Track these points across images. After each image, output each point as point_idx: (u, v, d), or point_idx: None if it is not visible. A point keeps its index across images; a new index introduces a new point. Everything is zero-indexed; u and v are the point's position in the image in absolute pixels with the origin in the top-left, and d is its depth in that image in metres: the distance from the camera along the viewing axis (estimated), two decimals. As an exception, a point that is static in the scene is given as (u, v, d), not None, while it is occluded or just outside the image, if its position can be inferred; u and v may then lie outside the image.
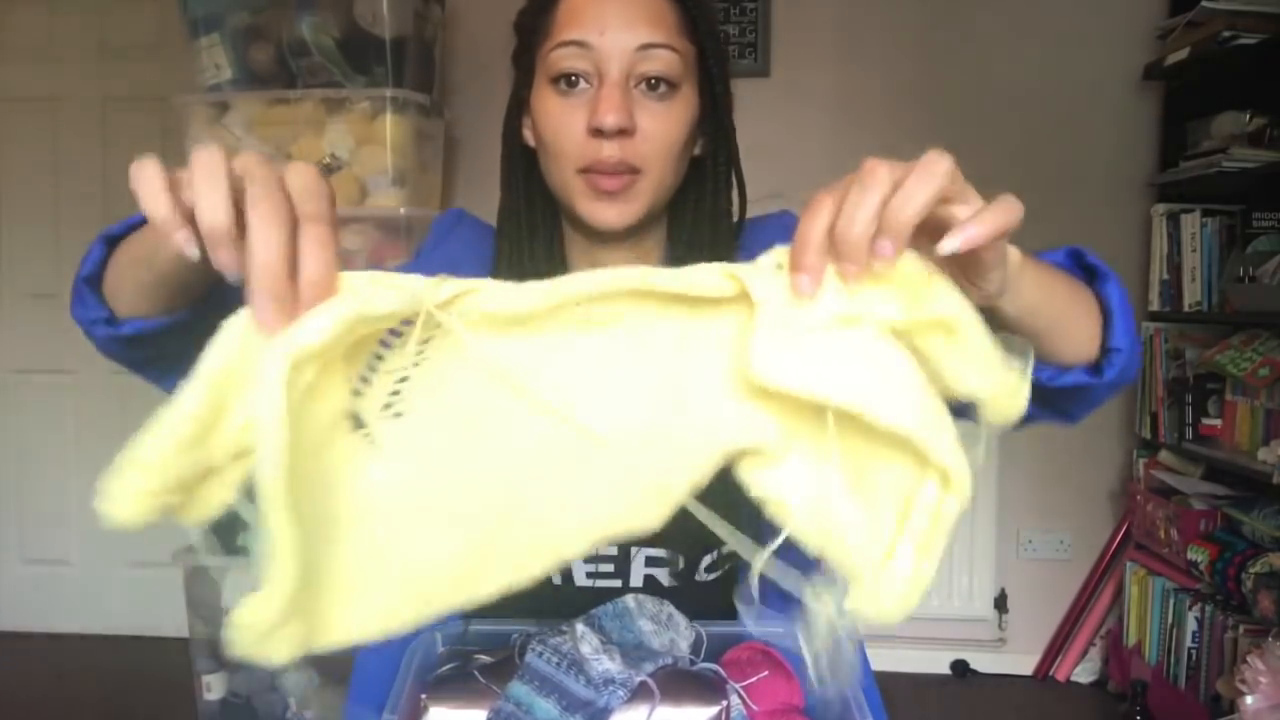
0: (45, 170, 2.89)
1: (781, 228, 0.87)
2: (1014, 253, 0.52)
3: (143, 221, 0.57)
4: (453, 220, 0.90)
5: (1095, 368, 0.63)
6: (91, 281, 0.62)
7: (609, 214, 0.74)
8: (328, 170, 2.25)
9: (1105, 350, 0.63)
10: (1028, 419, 0.53)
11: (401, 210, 2.20)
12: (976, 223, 0.45)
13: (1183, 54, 2.33)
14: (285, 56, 2.27)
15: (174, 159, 0.43)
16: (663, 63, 0.73)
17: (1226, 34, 2.16)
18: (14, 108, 2.91)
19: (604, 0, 0.73)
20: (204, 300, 0.58)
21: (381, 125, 2.23)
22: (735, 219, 0.86)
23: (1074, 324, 0.61)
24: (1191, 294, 2.39)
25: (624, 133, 0.72)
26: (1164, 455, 2.45)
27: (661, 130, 0.73)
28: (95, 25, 2.85)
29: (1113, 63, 2.59)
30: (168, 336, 0.59)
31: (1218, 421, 2.27)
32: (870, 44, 2.66)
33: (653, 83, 0.73)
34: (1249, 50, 2.16)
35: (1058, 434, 2.66)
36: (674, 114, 0.74)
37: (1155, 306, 2.50)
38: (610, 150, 0.72)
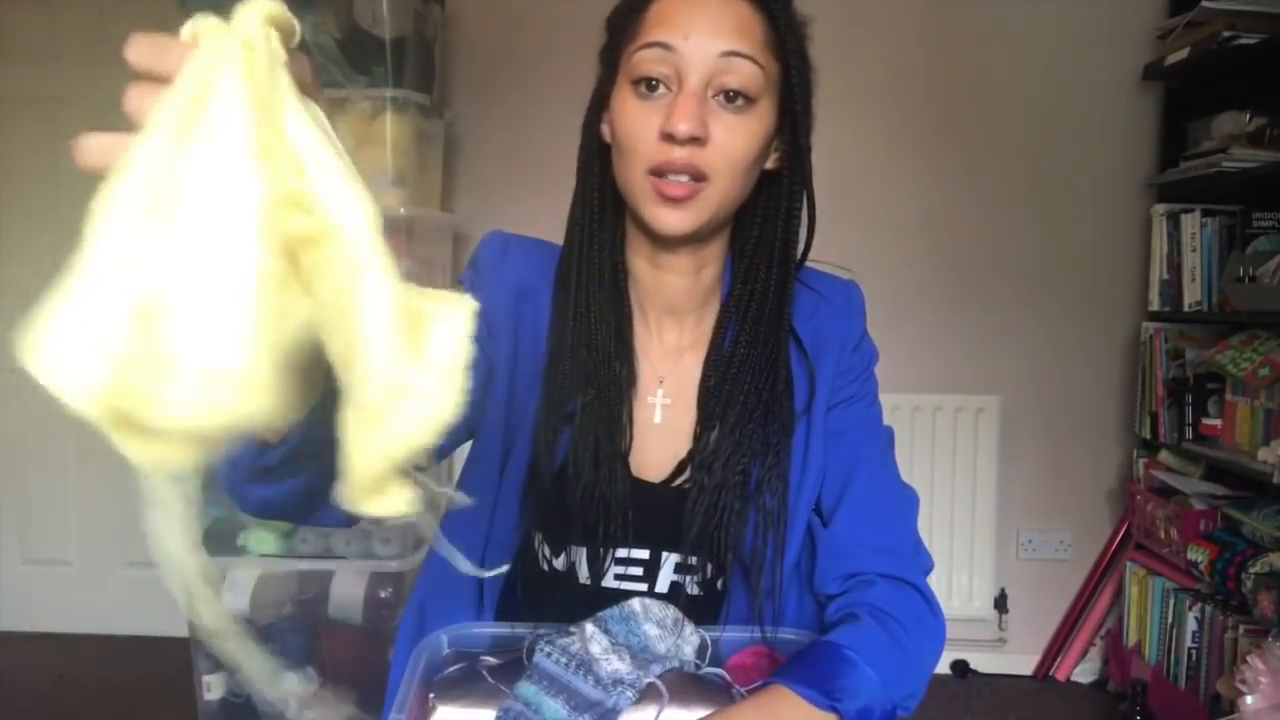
0: (45, 170, 2.89)
1: (844, 294, 0.88)
2: None
3: None
4: (501, 243, 0.88)
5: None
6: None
7: (671, 219, 0.75)
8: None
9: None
10: None
11: (401, 210, 2.19)
12: None
13: (1183, 54, 2.33)
14: (285, 56, 2.27)
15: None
16: (743, 75, 0.74)
17: (1226, 34, 2.16)
18: (14, 108, 2.91)
19: (694, 6, 0.74)
20: None
21: (381, 125, 2.22)
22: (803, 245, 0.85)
23: None
24: (1191, 294, 2.39)
25: (696, 140, 0.73)
26: (1164, 455, 2.45)
27: (733, 142, 0.74)
28: (95, 25, 2.85)
29: (1113, 63, 2.59)
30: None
31: (1218, 421, 2.27)
32: (870, 43, 2.66)
33: (730, 95, 0.74)
34: (1249, 50, 2.16)
35: (1058, 434, 2.68)
36: (748, 127, 0.75)
37: (1155, 306, 2.50)
38: (680, 154, 0.73)
